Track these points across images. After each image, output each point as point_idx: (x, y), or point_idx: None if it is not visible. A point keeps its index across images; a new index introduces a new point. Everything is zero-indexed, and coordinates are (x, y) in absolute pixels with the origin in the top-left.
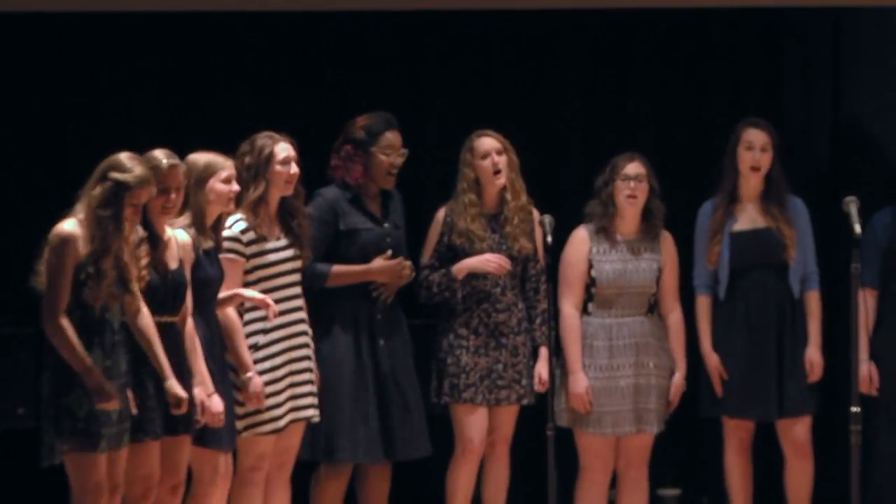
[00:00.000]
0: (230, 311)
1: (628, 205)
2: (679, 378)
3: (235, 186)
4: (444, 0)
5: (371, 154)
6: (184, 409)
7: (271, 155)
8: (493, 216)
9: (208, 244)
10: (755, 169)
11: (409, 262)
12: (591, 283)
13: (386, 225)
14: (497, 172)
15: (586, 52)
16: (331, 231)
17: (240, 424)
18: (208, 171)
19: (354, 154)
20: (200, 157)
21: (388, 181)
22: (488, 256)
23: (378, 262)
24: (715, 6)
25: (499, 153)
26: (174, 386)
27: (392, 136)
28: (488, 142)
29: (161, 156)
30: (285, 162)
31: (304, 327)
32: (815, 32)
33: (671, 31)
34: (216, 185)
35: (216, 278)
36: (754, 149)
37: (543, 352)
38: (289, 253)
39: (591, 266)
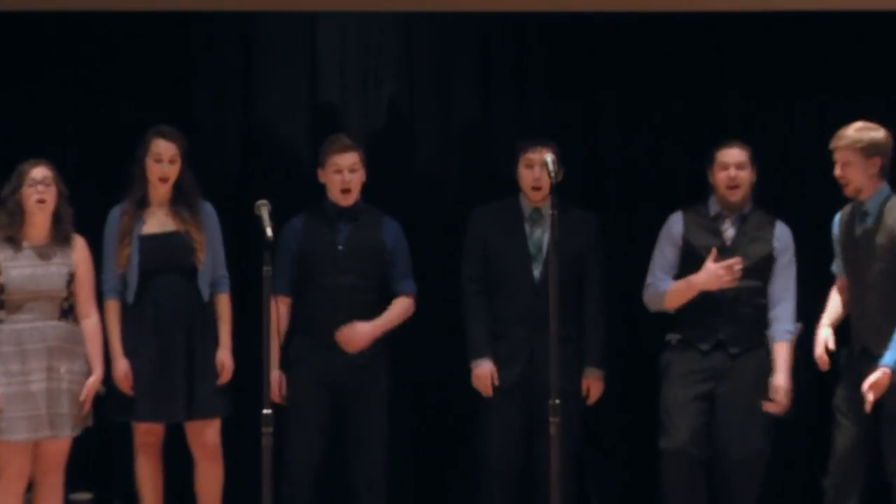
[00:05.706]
0: None
1: (38, 210)
2: (94, 380)
3: None
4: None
5: None
6: None
7: None
8: None
9: None
10: (164, 180)
11: None
12: (1, 290)
13: None
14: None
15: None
16: None
17: None
18: None
19: None
20: None
21: None
22: None
23: None
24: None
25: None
26: None
27: None
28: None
29: None
30: None
31: None
32: (224, 38)
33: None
34: None
35: None
36: (163, 161)
37: None
38: None
39: (0, 273)
